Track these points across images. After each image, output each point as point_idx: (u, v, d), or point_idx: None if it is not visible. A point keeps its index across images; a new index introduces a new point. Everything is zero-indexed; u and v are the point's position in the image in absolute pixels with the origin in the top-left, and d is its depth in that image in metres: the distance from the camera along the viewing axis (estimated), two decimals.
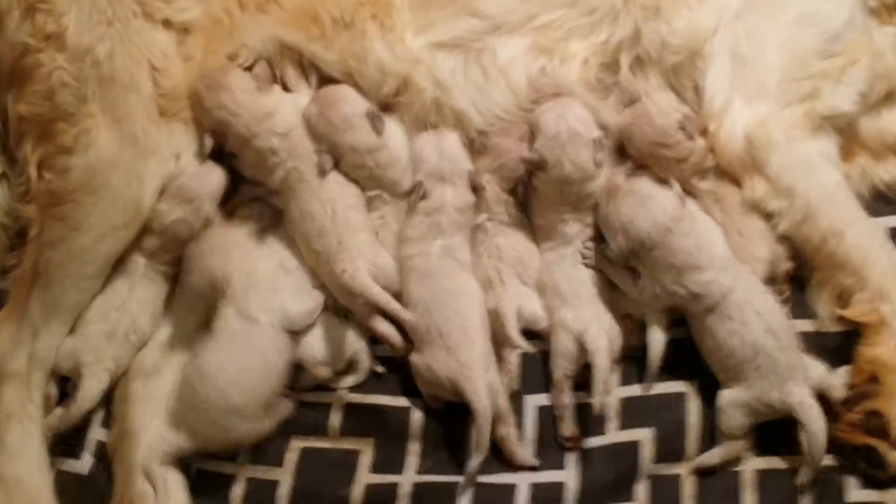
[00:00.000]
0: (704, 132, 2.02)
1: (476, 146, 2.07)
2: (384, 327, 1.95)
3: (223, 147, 2.04)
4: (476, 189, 2.03)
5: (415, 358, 1.94)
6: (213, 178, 2.04)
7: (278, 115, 2.03)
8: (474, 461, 1.84)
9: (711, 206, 2.00)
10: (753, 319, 1.83)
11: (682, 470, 1.86)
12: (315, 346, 1.96)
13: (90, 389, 1.95)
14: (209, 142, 2.02)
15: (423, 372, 1.92)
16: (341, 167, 2.04)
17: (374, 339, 2.00)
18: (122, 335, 1.99)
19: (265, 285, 1.97)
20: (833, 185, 1.97)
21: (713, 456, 1.85)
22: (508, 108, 2.05)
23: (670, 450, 1.88)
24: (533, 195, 2.05)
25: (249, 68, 2.05)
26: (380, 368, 2.00)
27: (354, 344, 1.99)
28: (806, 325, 1.95)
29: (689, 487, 1.85)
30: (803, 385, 1.80)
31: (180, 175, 2.02)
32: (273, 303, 1.94)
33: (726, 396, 1.84)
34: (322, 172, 2.01)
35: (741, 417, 1.83)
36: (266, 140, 2.01)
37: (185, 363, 1.95)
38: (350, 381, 1.99)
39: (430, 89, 2.04)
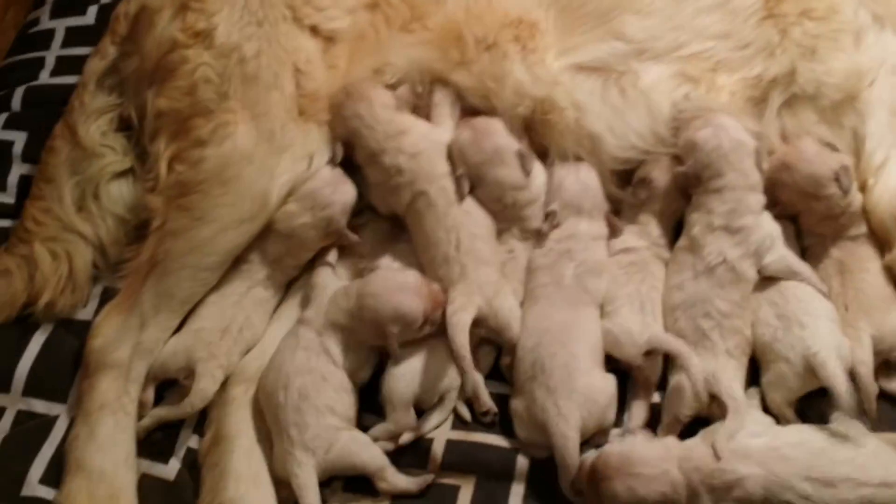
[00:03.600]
0: (863, 186, 1.95)
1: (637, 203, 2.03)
2: (479, 389, 1.87)
3: (352, 162, 2.04)
4: (613, 230, 2.00)
5: (514, 402, 1.86)
6: (347, 189, 2.02)
7: (410, 135, 2.02)
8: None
9: (833, 275, 1.92)
10: None
11: None
12: (407, 381, 1.87)
13: (205, 388, 1.89)
14: (340, 150, 2.02)
15: (521, 414, 1.84)
16: (477, 195, 2.01)
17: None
18: (235, 331, 1.94)
19: None
20: None
21: None
22: (644, 134, 2.00)
23: None
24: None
25: (394, 87, 2.06)
26: (465, 412, 1.90)
27: (449, 381, 1.89)
28: None
29: None
30: None
31: (311, 178, 2.01)
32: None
33: None
34: (460, 196, 1.97)
35: None
36: (394, 157, 2.00)
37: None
38: (432, 422, 1.88)
39: (571, 109, 2.01)
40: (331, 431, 1.81)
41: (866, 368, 1.78)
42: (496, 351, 1.96)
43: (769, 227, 1.92)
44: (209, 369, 1.90)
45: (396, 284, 1.87)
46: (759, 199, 1.93)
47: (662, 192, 2.00)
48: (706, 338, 1.84)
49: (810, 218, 1.94)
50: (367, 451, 1.81)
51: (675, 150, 2.00)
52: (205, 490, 1.83)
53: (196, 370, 1.89)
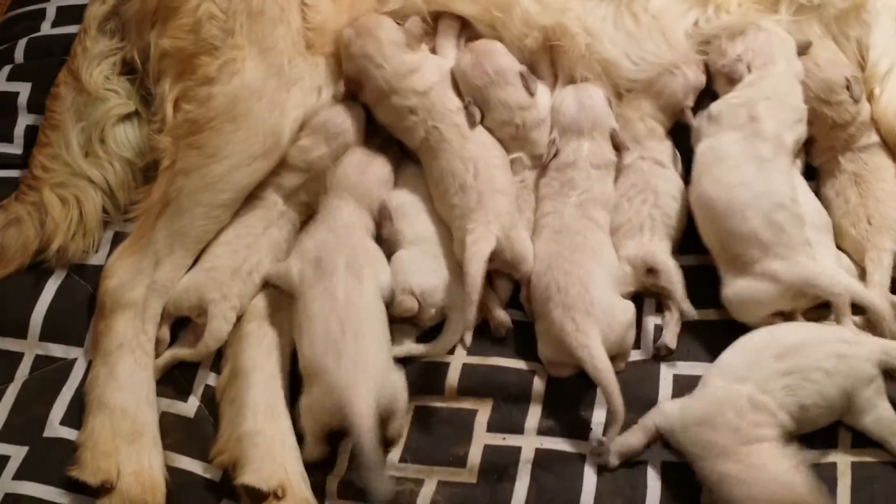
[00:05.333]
0: (870, 95, 1.97)
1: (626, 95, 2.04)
2: (492, 303, 1.89)
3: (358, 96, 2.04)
4: (619, 148, 1.99)
5: (536, 324, 1.88)
6: (357, 112, 2.02)
7: (420, 73, 2.01)
8: (612, 432, 1.74)
9: (848, 187, 1.93)
10: None
11: None
12: (409, 271, 1.89)
13: (218, 329, 1.89)
14: (342, 88, 2.02)
15: (543, 335, 1.85)
16: (486, 123, 2.01)
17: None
18: (245, 273, 1.95)
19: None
20: None
21: None
22: (662, 57, 2.00)
23: None
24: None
25: (402, 20, 2.06)
26: (467, 337, 1.87)
27: (453, 297, 1.89)
28: None
29: None
30: None
31: (320, 110, 2.01)
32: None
33: None
34: (472, 124, 1.97)
35: None
36: (405, 98, 1.99)
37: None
38: (440, 344, 1.89)
39: (582, 34, 2.01)
40: (387, 365, 1.80)
41: (881, 290, 1.80)
42: (513, 283, 1.96)
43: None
44: (221, 310, 1.90)
45: None
46: (801, 89, 1.95)
47: (641, 88, 2.02)
48: (782, 232, 1.80)
49: (821, 128, 1.95)
50: (403, 397, 1.81)
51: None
52: (224, 424, 1.85)
53: (208, 311, 1.90)
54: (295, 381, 1.88)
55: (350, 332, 1.77)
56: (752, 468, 1.61)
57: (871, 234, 1.86)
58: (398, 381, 1.81)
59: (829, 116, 1.93)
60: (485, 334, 1.93)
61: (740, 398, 1.66)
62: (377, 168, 2.00)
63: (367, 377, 1.73)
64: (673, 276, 1.86)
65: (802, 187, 1.92)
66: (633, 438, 1.73)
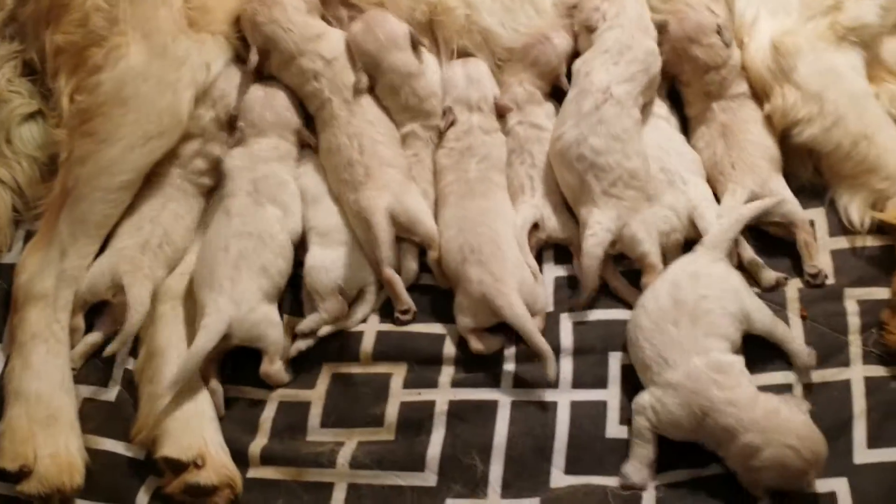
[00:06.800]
0: (740, 45, 2.06)
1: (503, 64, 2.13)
2: (397, 287, 1.94)
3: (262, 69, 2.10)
4: (501, 114, 2.06)
5: (456, 298, 1.91)
6: (232, 73, 2.09)
7: (326, 40, 2.08)
8: (550, 369, 1.79)
9: (716, 139, 2.01)
10: None
11: None
12: (329, 269, 1.94)
13: (138, 295, 1.93)
14: (255, 57, 2.07)
15: (462, 303, 1.89)
16: (377, 91, 2.07)
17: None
18: (155, 246, 1.99)
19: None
20: (861, 92, 1.97)
21: None
22: (532, 26, 2.10)
23: None
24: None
25: None
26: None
27: (366, 275, 1.96)
28: (841, 243, 1.93)
29: None
30: None
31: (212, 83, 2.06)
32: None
33: None
34: (358, 91, 2.03)
35: None
36: (312, 61, 2.05)
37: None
38: (357, 316, 1.95)
39: (461, 8, 2.09)
40: (258, 295, 1.88)
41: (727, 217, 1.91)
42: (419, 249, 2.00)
43: (657, 68, 2.03)
44: (137, 279, 1.94)
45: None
46: (651, 44, 2.03)
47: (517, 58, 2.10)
48: (584, 184, 1.91)
49: (694, 73, 2.04)
50: (275, 331, 1.89)
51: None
52: (143, 402, 1.88)
53: (124, 283, 1.93)
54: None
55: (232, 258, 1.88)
56: (773, 431, 1.61)
57: (735, 176, 1.96)
58: (268, 317, 1.89)
59: (702, 59, 2.02)
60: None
61: (704, 372, 1.68)
62: (281, 96, 2.08)
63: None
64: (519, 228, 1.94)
65: (674, 134, 2.04)
66: (645, 451, 1.72)
